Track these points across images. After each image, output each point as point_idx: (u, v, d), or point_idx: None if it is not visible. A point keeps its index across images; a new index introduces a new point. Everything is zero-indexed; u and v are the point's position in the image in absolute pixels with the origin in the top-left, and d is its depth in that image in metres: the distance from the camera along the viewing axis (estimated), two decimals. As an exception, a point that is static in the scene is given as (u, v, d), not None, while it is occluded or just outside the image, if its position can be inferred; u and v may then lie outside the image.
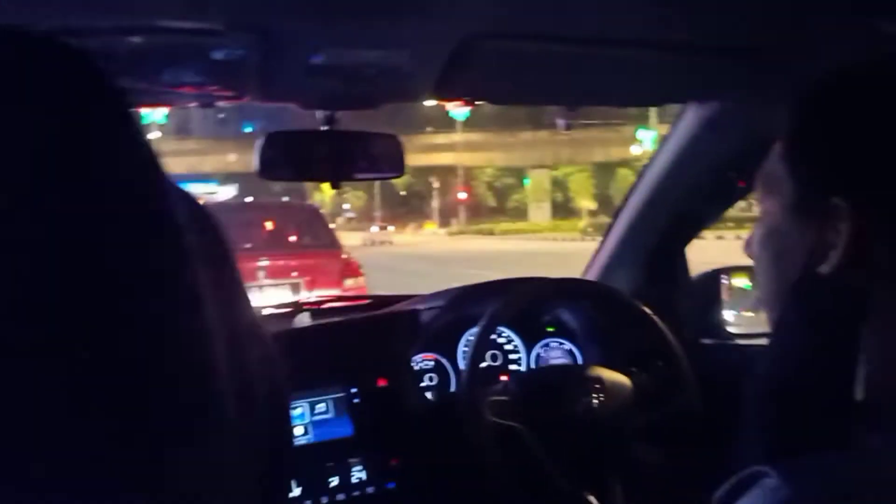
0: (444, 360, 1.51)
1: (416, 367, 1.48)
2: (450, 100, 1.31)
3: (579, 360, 1.58)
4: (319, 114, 1.23)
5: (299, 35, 1.00)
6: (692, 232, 1.64)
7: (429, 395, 1.48)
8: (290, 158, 1.28)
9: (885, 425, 0.52)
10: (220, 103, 1.18)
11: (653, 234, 1.61)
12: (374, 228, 37.43)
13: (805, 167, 0.56)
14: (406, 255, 23.53)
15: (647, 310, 1.38)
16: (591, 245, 1.76)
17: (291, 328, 1.51)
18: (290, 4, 0.91)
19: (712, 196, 1.54)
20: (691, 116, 1.40)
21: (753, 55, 1.09)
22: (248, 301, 0.40)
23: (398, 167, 1.31)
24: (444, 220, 48.13)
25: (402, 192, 51.66)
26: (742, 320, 1.59)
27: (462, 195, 44.32)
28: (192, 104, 1.22)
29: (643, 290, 1.60)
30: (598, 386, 1.29)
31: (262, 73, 1.07)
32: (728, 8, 0.94)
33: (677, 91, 1.37)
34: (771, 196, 0.59)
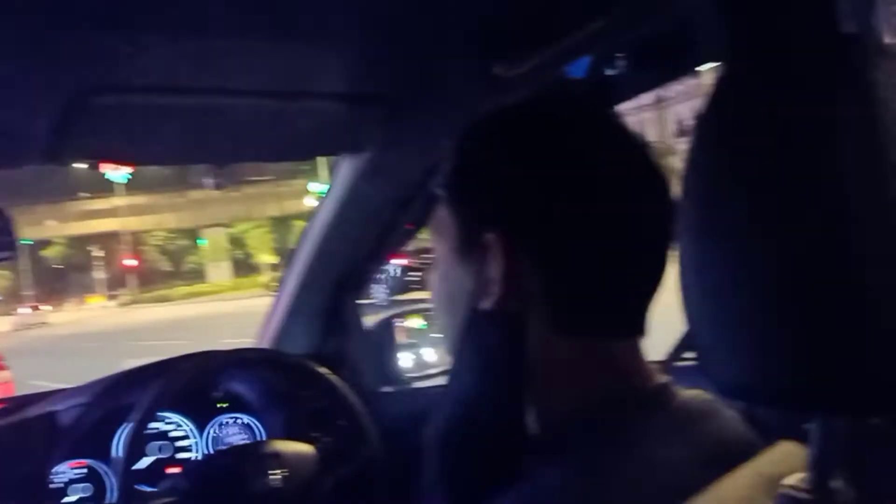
0: (99, 466, 1.28)
1: (60, 482, 1.23)
2: (70, 162, 1.13)
3: (261, 434, 1.46)
4: None
5: None
6: (363, 281, 1.64)
7: (80, 511, 1.24)
8: None
9: (559, 459, 0.52)
10: None
11: (324, 288, 1.56)
12: (25, 310, 32.61)
13: (461, 208, 0.58)
14: (70, 335, 21.25)
15: (319, 368, 1.32)
16: (275, 299, 1.67)
17: None
18: None
19: (379, 244, 1.54)
20: (346, 168, 1.39)
21: (388, 104, 1.11)
22: None
23: (8, 245, 1.09)
24: (114, 291, 43.88)
25: (59, 266, 45.95)
26: (426, 361, 1.61)
27: (130, 262, 40.84)
28: None
29: (320, 347, 1.55)
30: (277, 461, 1.19)
31: None
32: (359, 58, 0.93)
33: (324, 143, 1.35)
34: (440, 240, 0.60)
